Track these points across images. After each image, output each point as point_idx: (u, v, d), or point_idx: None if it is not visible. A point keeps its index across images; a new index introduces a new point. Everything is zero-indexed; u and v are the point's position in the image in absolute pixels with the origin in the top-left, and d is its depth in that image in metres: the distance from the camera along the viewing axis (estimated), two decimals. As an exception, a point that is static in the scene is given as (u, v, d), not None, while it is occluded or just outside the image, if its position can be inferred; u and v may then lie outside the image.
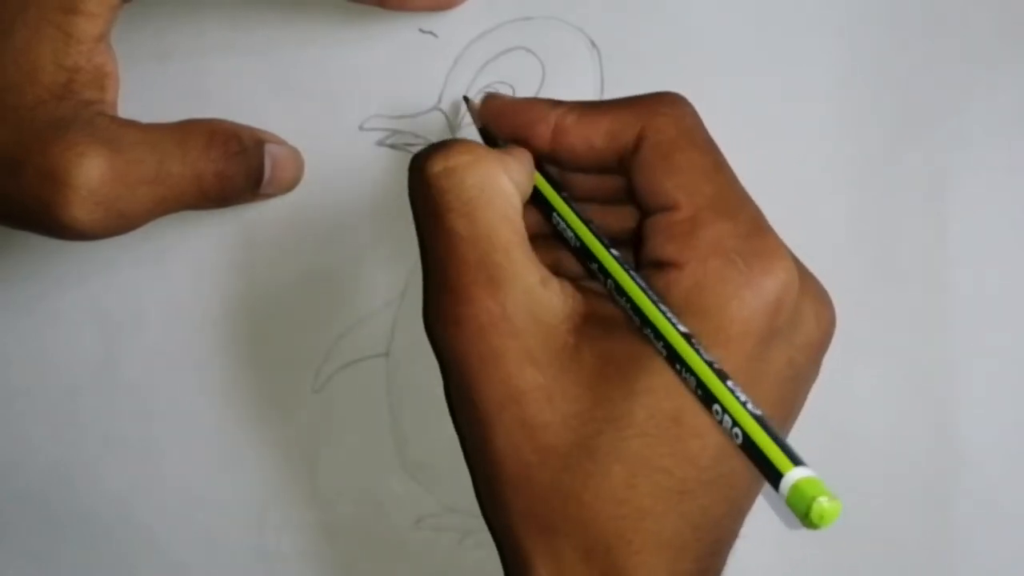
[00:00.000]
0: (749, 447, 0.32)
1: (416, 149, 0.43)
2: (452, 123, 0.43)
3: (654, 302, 0.34)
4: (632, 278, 0.35)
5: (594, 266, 0.36)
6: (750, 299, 0.33)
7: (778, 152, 0.42)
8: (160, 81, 0.42)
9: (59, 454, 0.45)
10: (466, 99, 0.42)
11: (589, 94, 0.42)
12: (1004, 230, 0.43)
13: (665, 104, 0.36)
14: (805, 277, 0.36)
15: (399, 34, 0.42)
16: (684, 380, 0.33)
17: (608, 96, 0.42)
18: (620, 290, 0.35)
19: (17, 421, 0.45)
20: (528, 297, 0.34)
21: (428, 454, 0.45)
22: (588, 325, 0.35)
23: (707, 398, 0.33)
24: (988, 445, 0.44)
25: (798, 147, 0.43)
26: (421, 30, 0.42)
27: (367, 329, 0.44)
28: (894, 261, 0.43)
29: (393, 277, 0.44)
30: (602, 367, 0.34)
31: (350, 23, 0.42)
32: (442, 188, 0.35)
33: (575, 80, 0.42)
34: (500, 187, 0.35)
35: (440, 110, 0.43)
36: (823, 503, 0.30)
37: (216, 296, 0.44)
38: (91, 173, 0.35)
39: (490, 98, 0.40)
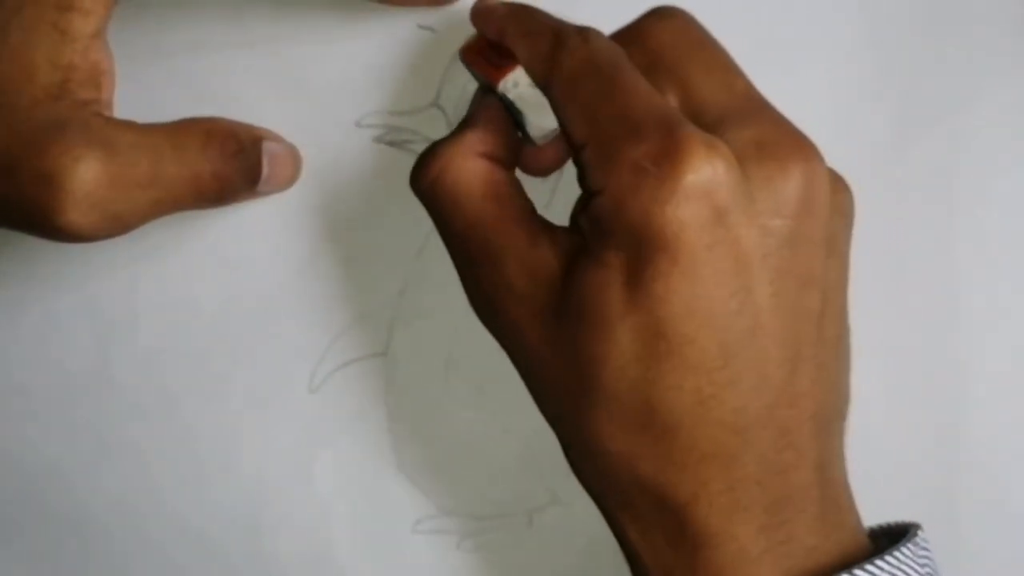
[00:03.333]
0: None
1: (414, 146, 0.43)
2: (450, 119, 0.42)
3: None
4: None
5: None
6: (668, 197, 0.32)
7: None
8: (156, 78, 0.42)
9: (56, 454, 0.45)
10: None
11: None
12: (1010, 228, 0.44)
13: (567, 36, 0.36)
14: (762, 144, 0.34)
15: (397, 30, 0.42)
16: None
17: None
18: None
19: (14, 420, 0.45)
20: (523, 261, 0.36)
21: (426, 456, 0.45)
22: (570, 266, 0.35)
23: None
24: (995, 445, 0.44)
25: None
26: (419, 26, 0.42)
27: (365, 328, 0.44)
28: (899, 259, 0.43)
29: (391, 275, 0.44)
30: (580, 303, 0.34)
31: (347, 19, 0.42)
32: (432, 201, 0.38)
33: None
34: (474, 171, 0.37)
35: (438, 106, 0.43)
36: None
37: (211, 295, 0.44)
38: (86, 177, 0.35)
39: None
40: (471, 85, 0.42)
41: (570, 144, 0.36)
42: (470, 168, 0.37)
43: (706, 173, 0.32)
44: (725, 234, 0.33)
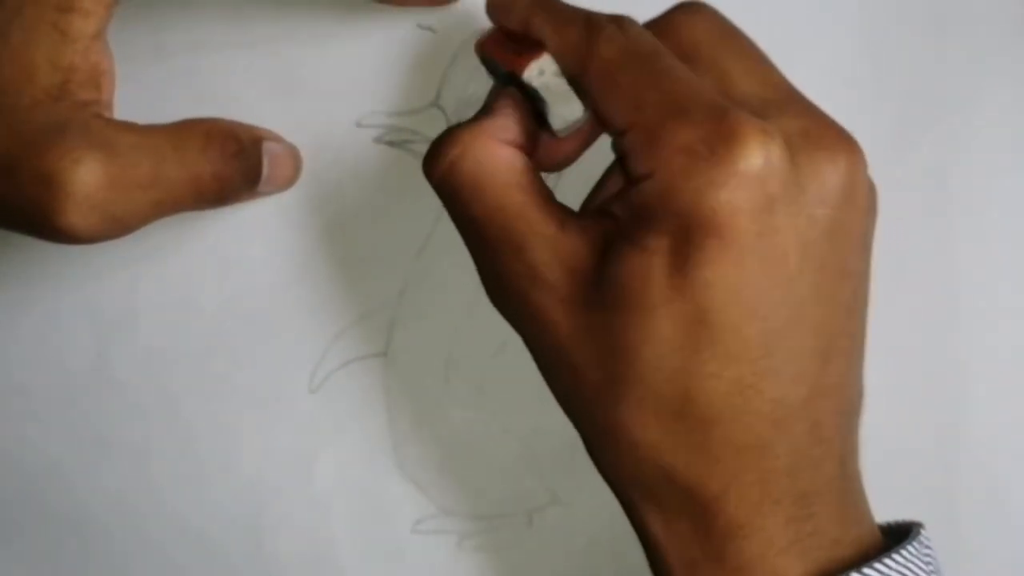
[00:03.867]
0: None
1: (414, 146, 0.43)
2: (450, 119, 0.42)
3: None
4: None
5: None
6: (723, 181, 0.32)
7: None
8: (157, 78, 0.42)
9: (56, 454, 0.45)
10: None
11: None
12: (1010, 228, 0.44)
13: (602, 24, 0.35)
14: (809, 134, 0.34)
15: (397, 30, 0.42)
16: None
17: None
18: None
19: (14, 420, 0.45)
20: (550, 247, 0.35)
21: (426, 456, 0.45)
22: (605, 252, 0.35)
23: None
24: (995, 445, 0.44)
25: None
26: (419, 25, 0.42)
27: (365, 328, 0.44)
28: (899, 259, 0.43)
29: (391, 275, 0.44)
30: (617, 289, 0.34)
31: (348, 19, 0.42)
32: (449, 185, 0.36)
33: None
34: (495, 156, 0.36)
35: (438, 106, 0.43)
36: None
37: (211, 295, 0.44)
38: (86, 179, 0.35)
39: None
40: (471, 85, 0.42)
41: (608, 131, 0.35)
42: (492, 153, 0.36)
43: (761, 158, 0.32)
44: (775, 222, 0.33)
